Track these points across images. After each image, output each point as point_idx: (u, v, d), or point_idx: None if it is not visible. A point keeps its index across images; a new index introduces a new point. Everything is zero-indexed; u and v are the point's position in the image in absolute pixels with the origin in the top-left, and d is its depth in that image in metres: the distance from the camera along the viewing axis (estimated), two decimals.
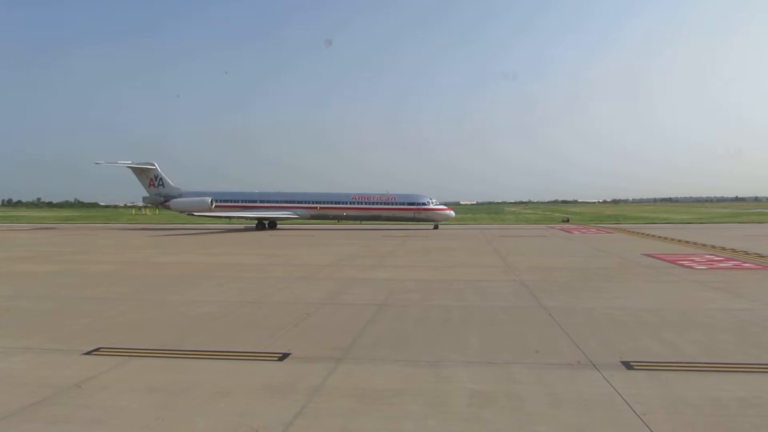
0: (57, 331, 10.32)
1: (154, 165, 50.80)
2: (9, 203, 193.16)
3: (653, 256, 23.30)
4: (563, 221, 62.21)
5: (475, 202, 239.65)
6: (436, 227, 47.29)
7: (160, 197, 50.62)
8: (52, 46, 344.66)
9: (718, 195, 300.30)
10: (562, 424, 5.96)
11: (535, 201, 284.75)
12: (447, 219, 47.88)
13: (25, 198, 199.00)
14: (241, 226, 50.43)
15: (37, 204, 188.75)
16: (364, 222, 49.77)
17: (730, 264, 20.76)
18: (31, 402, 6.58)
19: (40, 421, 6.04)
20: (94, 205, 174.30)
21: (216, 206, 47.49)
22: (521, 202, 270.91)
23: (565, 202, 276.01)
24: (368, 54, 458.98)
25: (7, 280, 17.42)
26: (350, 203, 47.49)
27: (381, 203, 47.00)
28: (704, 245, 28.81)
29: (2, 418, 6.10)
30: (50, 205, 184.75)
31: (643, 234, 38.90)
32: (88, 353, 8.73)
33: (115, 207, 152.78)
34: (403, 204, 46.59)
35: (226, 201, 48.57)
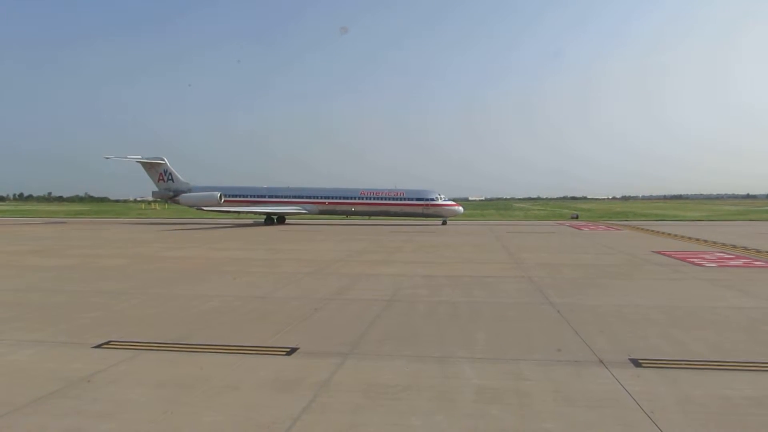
0: (67, 324, 10.41)
1: (163, 160, 51.02)
2: (20, 197, 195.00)
3: (663, 254, 23.15)
4: (572, 218, 61.90)
5: (483, 198, 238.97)
6: (444, 223, 47.25)
7: (169, 192, 50.81)
8: (61, 41, 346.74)
9: (729, 192, 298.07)
10: (569, 421, 5.95)
11: (544, 197, 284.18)
12: (455, 215, 47.82)
13: (37, 192, 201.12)
14: (250, 221, 50.60)
15: (48, 198, 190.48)
16: (372, 217, 49.79)
17: (740, 262, 20.59)
18: (41, 394, 6.64)
19: (49, 414, 6.09)
20: (104, 200, 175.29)
21: (225, 201, 47.67)
22: (530, 199, 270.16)
23: (574, 198, 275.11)
24: (376, 49, 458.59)
25: (19, 273, 17.57)
26: (359, 199, 47.52)
27: (389, 199, 46.96)
28: (714, 243, 28.59)
29: (13, 410, 6.17)
30: (61, 199, 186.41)
31: (652, 231, 38.66)
32: (98, 347, 8.80)
33: (125, 201, 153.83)
34: (412, 199, 46.58)
35: (235, 196, 48.73)
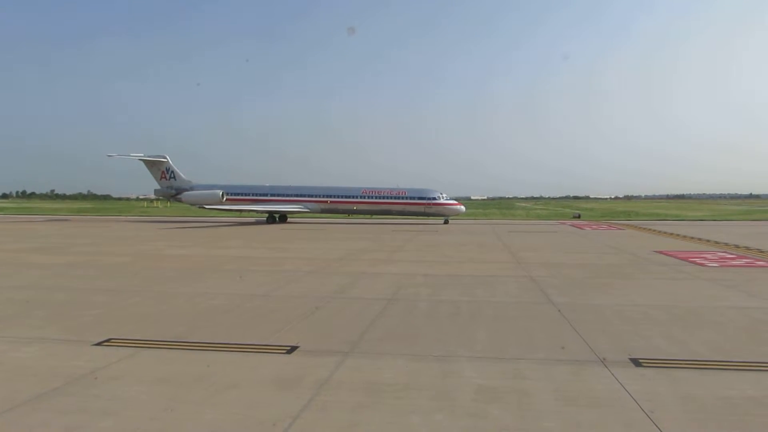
0: (68, 321, 10.43)
1: (165, 158, 51.09)
2: (24, 195, 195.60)
3: (664, 254, 23.11)
4: (574, 217, 61.81)
5: (485, 198, 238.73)
6: (446, 222, 47.24)
7: (171, 190, 50.89)
8: (65, 38, 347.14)
9: (732, 192, 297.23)
10: (568, 420, 5.94)
11: (546, 197, 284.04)
12: (457, 214, 47.83)
13: (40, 190, 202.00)
14: (252, 220, 50.63)
15: (51, 196, 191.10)
16: (374, 216, 49.79)
17: (742, 262, 20.54)
18: (41, 392, 6.66)
19: (50, 411, 6.11)
20: (106, 198, 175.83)
21: (227, 199, 47.73)
22: (532, 198, 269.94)
23: (576, 198, 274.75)
24: (379, 48, 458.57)
25: (21, 270, 17.61)
26: (360, 197, 47.51)
27: (391, 197, 46.95)
28: (717, 243, 28.52)
29: (14, 407, 6.18)
30: (64, 197, 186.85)
31: (654, 231, 38.60)
32: (99, 344, 8.81)
33: (127, 199, 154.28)
34: (414, 198, 46.56)
35: (237, 194, 48.80)
